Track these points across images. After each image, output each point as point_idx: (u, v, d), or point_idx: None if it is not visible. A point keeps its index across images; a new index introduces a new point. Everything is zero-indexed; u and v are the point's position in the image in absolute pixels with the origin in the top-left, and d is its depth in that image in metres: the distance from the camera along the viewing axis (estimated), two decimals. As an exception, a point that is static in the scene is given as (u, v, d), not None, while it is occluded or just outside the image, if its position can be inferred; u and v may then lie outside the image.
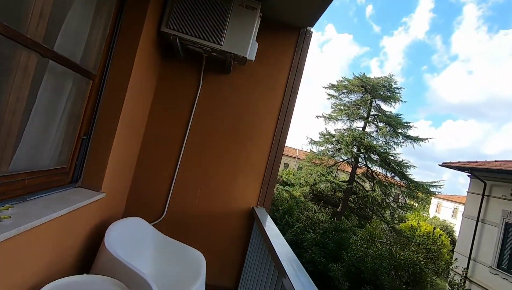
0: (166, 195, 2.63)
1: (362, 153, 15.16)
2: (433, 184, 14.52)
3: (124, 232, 2.06)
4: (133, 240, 2.12)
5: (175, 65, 2.65)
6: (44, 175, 1.59)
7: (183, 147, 2.64)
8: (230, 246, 2.70)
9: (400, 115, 15.71)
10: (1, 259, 1.14)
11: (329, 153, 16.16)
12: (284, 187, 18.05)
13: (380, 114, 15.94)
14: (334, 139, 15.90)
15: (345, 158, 16.00)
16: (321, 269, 6.46)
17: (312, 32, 2.77)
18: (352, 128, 16.21)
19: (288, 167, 24.58)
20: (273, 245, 1.72)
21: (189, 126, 2.65)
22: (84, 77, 1.78)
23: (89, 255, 1.98)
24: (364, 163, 15.66)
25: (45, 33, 1.35)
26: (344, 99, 16.91)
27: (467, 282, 9.18)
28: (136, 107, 2.27)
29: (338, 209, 15.01)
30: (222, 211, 2.69)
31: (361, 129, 16.01)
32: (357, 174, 15.82)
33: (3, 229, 1.08)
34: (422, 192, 14.95)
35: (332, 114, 16.72)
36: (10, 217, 1.19)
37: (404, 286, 4.89)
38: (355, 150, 15.19)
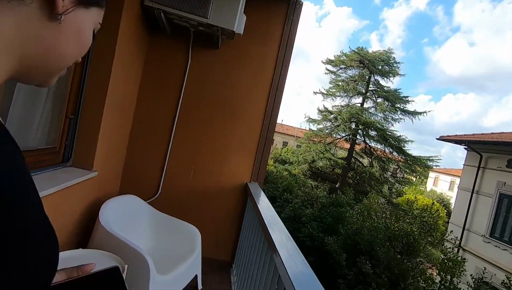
0: (160, 173, 2.66)
1: (360, 129, 15.17)
2: (431, 158, 14.67)
3: (119, 209, 2.11)
4: (128, 217, 2.17)
5: (162, 41, 2.58)
6: (32, 155, 1.59)
7: (175, 125, 2.64)
8: (225, 221, 2.77)
9: (398, 90, 15.59)
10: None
11: (327, 131, 16.18)
12: (283, 165, 18.21)
13: (378, 89, 15.78)
14: (332, 116, 15.85)
15: (343, 135, 16.03)
16: (319, 243, 6.66)
17: (302, 3, 2.68)
18: (350, 104, 16.11)
19: (287, 145, 24.67)
20: (263, 217, 1.75)
21: (179, 104, 2.62)
22: (66, 55, 1.74)
23: (85, 232, 2.03)
24: (363, 139, 15.72)
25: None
26: (342, 74, 16.69)
27: (460, 251, 9.51)
28: (123, 85, 2.24)
29: (337, 185, 15.25)
30: (216, 187, 2.73)
31: (359, 105, 15.92)
32: (355, 151, 15.93)
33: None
34: (420, 166, 15.13)
35: (330, 90, 16.56)
36: (-2, 195, 1.20)
37: (398, 256, 5.07)
38: (353, 126, 15.19)
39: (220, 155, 2.72)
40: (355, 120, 15.08)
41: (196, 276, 2.27)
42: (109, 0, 1.91)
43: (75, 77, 1.85)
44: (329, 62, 16.76)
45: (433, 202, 16.17)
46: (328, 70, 16.78)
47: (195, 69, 2.63)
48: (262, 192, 2.50)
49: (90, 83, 1.92)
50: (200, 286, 2.29)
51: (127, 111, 2.48)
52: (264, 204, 2.14)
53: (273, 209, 2.01)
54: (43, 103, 1.64)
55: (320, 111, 16.56)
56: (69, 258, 1.49)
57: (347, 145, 16.36)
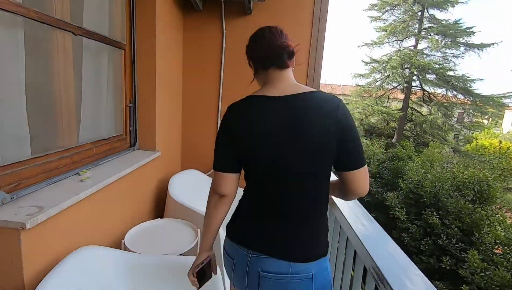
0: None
1: (415, 75, 13.70)
2: (507, 94, 12.71)
3: (184, 182, 2.33)
4: (193, 188, 2.39)
5: (195, 19, 2.61)
6: (106, 143, 1.83)
7: (220, 97, 2.72)
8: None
9: (459, 21, 13.42)
10: (92, 211, 1.41)
11: (377, 83, 14.98)
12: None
13: (434, 25, 13.82)
14: (380, 66, 14.54)
15: (396, 85, 14.70)
16: (378, 200, 6.51)
17: None
18: (401, 49, 14.51)
19: (334, 105, 23.58)
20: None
21: (221, 76, 2.68)
22: (116, 48, 1.88)
23: (160, 204, 2.31)
24: (419, 86, 14.24)
25: (71, 12, 1.44)
26: (388, 18, 14.91)
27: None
28: (168, 67, 2.36)
29: (393, 140, 14.35)
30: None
31: (412, 48, 14.25)
32: (411, 100, 14.58)
33: (88, 187, 1.32)
34: (492, 106, 13.28)
35: (377, 39, 15.05)
36: (89, 178, 1.43)
37: (469, 205, 4.72)
38: (406, 73, 13.78)
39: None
40: (407, 65, 13.61)
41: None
42: (142, -14, 1.93)
43: (127, 67, 2.01)
44: (372, 7, 15.05)
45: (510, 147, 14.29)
46: (372, 17, 15.13)
47: (231, 39, 2.63)
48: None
49: (140, 71, 2.07)
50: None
51: (176, 92, 2.62)
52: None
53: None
54: (105, 95, 1.84)
55: (366, 64, 15.28)
56: (154, 226, 1.73)
57: (402, 96, 15.01)
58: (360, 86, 15.76)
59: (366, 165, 0.86)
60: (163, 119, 2.29)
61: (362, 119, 15.42)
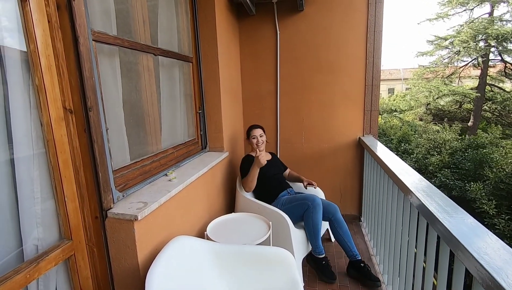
0: (275, 145, 2.92)
1: (493, 46, 11.87)
2: None
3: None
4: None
5: (250, 23, 2.74)
6: (184, 147, 2.06)
7: (278, 96, 2.81)
8: (345, 178, 2.82)
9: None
10: (179, 206, 1.62)
11: (444, 61, 13.39)
12: (391, 114, 16.36)
13: (514, -15, 11.77)
14: (447, 41, 12.96)
15: (469, 60, 12.95)
16: (458, 193, 5.85)
17: None
18: (471, 19, 12.73)
19: (393, 92, 21.87)
20: (387, 163, 1.73)
21: (278, 75, 2.77)
22: (185, 62, 2.11)
23: (230, 200, 2.50)
24: (499, 58, 12.31)
25: (151, 35, 1.67)
26: (454, -15, 13.20)
27: None
28: (230, 72, 2.54)
29: (469, 124, 12.68)
30: (329, 147, 2.80)
31: (486, 16, 12.39)
32: (489, 76, 12.69)
33: (176, 185, 1.53)
34: None
35: (441, 11, 13.46)
36: (175, 177, 1.64)
37: None
38: (481, 45, 12.04)
39: (327, 114, 2.76)
40: (483, 36, 11.88)
41: (327, 229, 2.46)
42: (203, 1, 2.13)
43: (195, 77, 2.22)
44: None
45: None
46: (433, -14, 13.56)
47: (285, 38, 2.70)
48: (379, 142, 2.42)
49: (206, 79, 2.28)
50: (333, 239, 2.48)
51: (237, 94, 2.80)
52: (383, 152, 2.09)
53: (396, 156, 1.95)
54: (179, 105, 2.07)
55: (430, 42, 13.78)
56: (230, 220, 1.90)
57: (476, 72, 13.16)
58: (423, 66, 14.29)
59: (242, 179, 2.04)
60: (228, 121, 2.47)
61: (429, 103, 13.96)
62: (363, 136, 2.68)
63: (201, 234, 1.81)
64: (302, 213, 1.95)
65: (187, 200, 1.71)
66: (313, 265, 2.00)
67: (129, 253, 1.21)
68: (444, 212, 1.04)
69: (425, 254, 1.22)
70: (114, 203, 1.26)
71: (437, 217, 1.02)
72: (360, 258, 1.94)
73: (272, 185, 2.17)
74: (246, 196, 2.18)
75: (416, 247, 1.36)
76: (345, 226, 2.00)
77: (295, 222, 1.98)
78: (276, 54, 2.73)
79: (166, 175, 1.71)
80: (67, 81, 1.09)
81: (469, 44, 11.93)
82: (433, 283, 1.19)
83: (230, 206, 2.49)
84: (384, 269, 1.90)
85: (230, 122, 2.54)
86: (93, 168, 1.16)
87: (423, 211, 1.17)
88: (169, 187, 1.50)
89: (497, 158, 5.60)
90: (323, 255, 1.95)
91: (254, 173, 2.05)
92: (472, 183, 5.46)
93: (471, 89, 12.96)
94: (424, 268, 1.25)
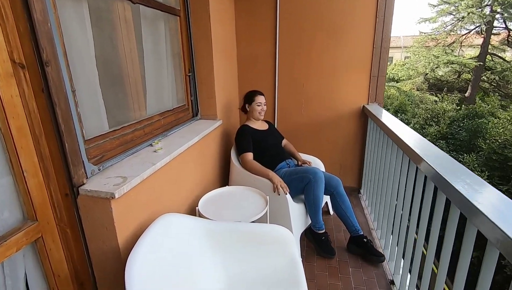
0: (273, 113, 2.72)
1: (498, 12, 11.36)
2: None
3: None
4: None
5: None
6: (172, 114, 1.85)
7: (277, 59, 2.56)
8: (345, 149, 2.68)
9: None
10: (166, 180, 1.45)
11: (447, 28, 12.87)
12: (388, 83, 16.05)
13: None
14: (451, 7, 12.35)
15: (472, 28, 12.46)
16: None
17: None
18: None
19: (392, 60, 21.26)
20: (397, 133, 1.57)
21: (277, 36, 2.49)
22: (171, 15, 1.82)
23: (224, 172, 2.35)
24: (503, 25, 11.85)
25: (126, -22, 1.38)
26: None
27: None
28: (223, 30, 2.25)
29: (466, 94, 12.53)
30: (330, 116, 2.62)
31: (495, -21, 11.68)
32: (491, 44, 12.30)
33: (162, 156, 1.35)
34: None
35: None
36: (162, 148, 1.46)
37: None
38: (486, 11, 11.51)
39: (329, 81, 2.53)
40: (488, 1, 11.31)
41: (326, 202, 2.36)
42: None
43: (183, 34, 1.95)
44: None
45: None
46: None
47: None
48: (385, 110, 2.24)
49: (196, 37, 2.00)
50: (331, 211, 2.39)
51: (231, 56, 2.53)
52: (389, 119, 1.93)
53: (403, 124, 1.79)
54: (166, 65, 1.82)
55: (433, 6, 13.10)
56: (223, 194, 1.75)
57: (478, 41, 12.73)
58: (424, 34, 13.76)
59: (242, 154, 1.96)
60: (222, 86, 2.23)
61: (427, 73, 13.65)
62: (368, 104, 2.49)
63: (192, 210, 1.68)
64: (303, 187, 1.81)
65: (176, 173, 1.54)
66: (312, 240, 1.91)
67: (107, 234, 1.05)
68: (457, 178, 1.00)
69: (429, 223, 1.21)
70: (87, 178, 1.08)
71: (450, 182, 0.97)
72: (362, 233, 1.85)
73: (270, 156, 2.01)
74: (241, 168, 2.02)
75: (419, 218, 1.31)
76: (348, 201, 1.89)
77: (294, 196, 1.86)
78: (275, 11, 2.43)
79: (151, 145, 1.52)
80: (13, 26, 0.85)
81: (473, 9, 11.38)
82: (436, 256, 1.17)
83: (224, 179, 2.35)
84: (386, 244, 1.82)
85: (224, 87, 2.30)
86: (57, 137, 0.96)
87: (434, 178, 1.12)
88: (154, 159, 1.32)
89: (491, 128, 5.53)
90: (323, 231, 1.85)
91: (261, 174, 1.86)
92: (466, 154, 5.42)
93: (472, 58, 12.62)
94: (427, 240, 1.23)
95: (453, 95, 9.20)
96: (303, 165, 2.09)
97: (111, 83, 1.35)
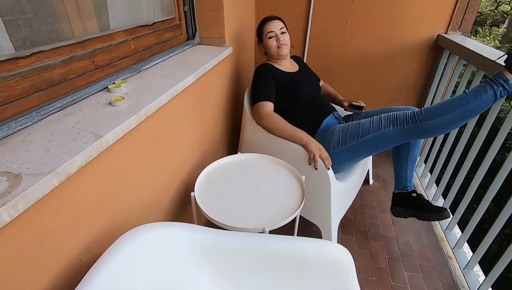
0: (303, 40, 1.92)
1: None
2: None
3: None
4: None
5: None
6: (152, 32, 1.10)
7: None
8: (398, 98, 1.97)
9: None
10: (132, 154, 0.82)
11: None
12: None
13: None
14: None
15: None
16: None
17: None
18: None
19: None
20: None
21: None
22: None
23: (234, 131, 1.70)
24: None
25: None
26: None
27: None
28: None
29: (500, 30, 10.90)
30: (384, 49, 1.83)
31: None
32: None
33: (117, 117, 0.69)
34: None
35: None
36: (123, 98, 0.78)
37: None
38: None
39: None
40: None
41: (368, 171, 1.79)
42: None
43: None
44: None
45: None
46: None
47: None
48: (477, 42, 1.47)
49: None
50: (371, 181, 1.85)
51: None
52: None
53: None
54: None
55: None
56: (233, 167, 1.14)
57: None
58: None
59: (257, 104, 1.27)
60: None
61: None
62: (446, 33, 1.69)
63: (184, 197, 1.10)
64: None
65: (155, 135, 0.90)
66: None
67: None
68: None
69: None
70: None
71: None
72: (413, 188, 1.32)
73: (311, 110, 1.33)
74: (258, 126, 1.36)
75: None
76: (420, 148, 1.31)
77: (348, 167, 1.32)
78: None
79: (107, 90, 0.84)
80: None
81: None
82: None
83: (233, 141, 1.72)
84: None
85: (235, 2, 1.49)
86: None
87: None
88: (106, 121, 0.67)
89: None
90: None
91: (289, 137, 1.23)
92: None
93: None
94: None
95: (492, 31, 7.82)
96: (352, 108, 1.46)
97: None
